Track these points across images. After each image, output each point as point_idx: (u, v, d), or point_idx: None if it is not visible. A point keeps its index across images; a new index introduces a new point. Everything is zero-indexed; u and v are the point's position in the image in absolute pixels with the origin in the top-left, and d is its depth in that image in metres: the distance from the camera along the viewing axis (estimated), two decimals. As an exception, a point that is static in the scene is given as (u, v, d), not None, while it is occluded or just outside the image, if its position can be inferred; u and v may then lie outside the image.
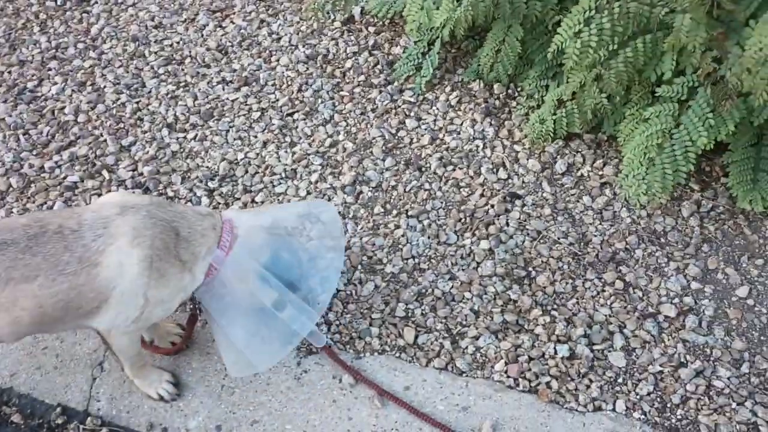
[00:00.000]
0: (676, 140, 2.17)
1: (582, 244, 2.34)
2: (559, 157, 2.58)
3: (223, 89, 2.90)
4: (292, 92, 2.88)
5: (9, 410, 2.03)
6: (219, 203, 2.49)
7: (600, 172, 2.53)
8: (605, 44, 2.16)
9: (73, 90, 2.89)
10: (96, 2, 3.32)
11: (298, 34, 3.13)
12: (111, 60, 3.02)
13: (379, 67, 2.97)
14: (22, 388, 2.07)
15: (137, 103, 2.84)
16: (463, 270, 2.27)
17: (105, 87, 2.90)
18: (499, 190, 2.49)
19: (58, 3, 3.31)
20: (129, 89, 2.89)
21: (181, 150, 2.67)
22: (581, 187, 2.49)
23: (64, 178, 2.57)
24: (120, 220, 1.62)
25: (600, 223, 2.40)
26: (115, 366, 2.07)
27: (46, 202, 2.48)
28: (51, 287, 1.57)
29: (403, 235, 2.38)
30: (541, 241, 2.35)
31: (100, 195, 2.49)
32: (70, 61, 3.02)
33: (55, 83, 2.92)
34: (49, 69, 2.99)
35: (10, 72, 2.98)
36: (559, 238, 2.35)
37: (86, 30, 3.17)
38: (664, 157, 2.17)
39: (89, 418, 1.99)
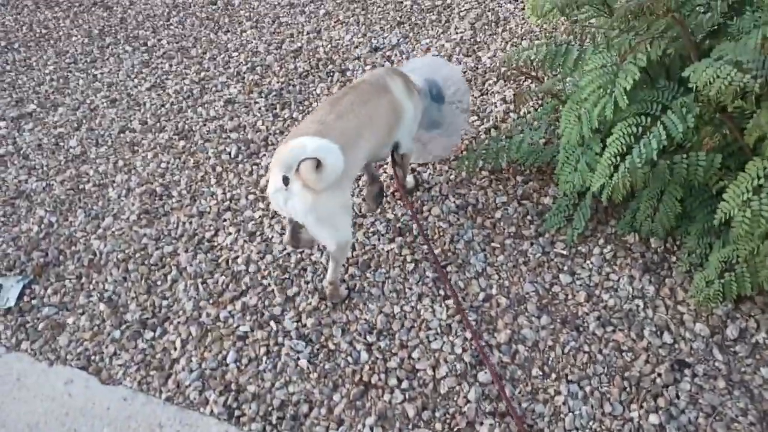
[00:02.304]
0: None
1: (764, 423, 2.17)
2: (729, 321, 2.46)
3: (379, 240, 3.07)
4: (444, 243, 2.98)
5: None
6: (377, 358, 2.57)
7: (778, 340, 2.37)
8: (780, 213, 2.08)
9: (244, 240, 3.18)
10: (264, 155, 3.68)
11: (447, 183, 3.28)
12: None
13: (529, 217, 3.02)
14: None
15: (301, 253, 3.06)
16: (632, 448, 2.18)
17: (272, 237, 3.16)
18: (665, 356, 2.39)
19: (232, 156, 3.71)
20: (293, 240, 3.13)
21: (341, 301, 2.82)
22: (757, 357, 2.34)
23: (237, 327, 2.78)
24: (379, 72, 2.86)
25: (784, 400, 2.23)
26: None
27: (220, 352, 2.69)
28: (379, 102, 2.67)
29: (564, 403, 2.33)
30: (717, 418, 2.21)
31: (267, 346, 2.67)
32: (241, 212, 3.34)
33: (229, 233, 3.23)
34: (224, 220, 3.32)
35: (191, 222, 3.33)
36: (737, 416, 2.20)
37: (256, 181, 3.52)
38: None
39: None
